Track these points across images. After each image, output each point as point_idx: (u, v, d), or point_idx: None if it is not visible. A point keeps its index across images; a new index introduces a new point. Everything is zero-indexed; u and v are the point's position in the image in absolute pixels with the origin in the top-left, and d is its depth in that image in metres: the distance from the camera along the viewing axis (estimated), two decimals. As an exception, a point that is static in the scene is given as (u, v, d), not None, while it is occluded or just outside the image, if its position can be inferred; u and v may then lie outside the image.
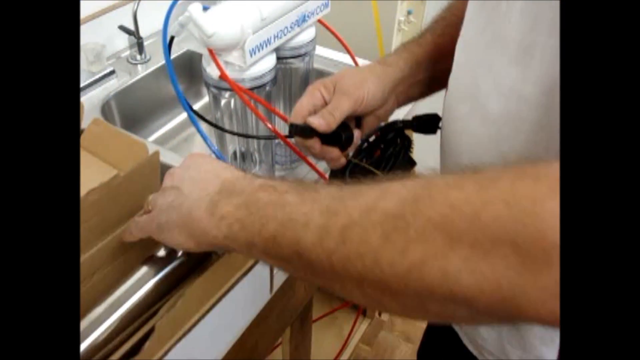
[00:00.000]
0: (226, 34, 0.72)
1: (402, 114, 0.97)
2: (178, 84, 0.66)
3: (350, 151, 0.65)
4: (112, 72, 1.02)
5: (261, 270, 0.66)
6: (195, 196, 0.45)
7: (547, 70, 0.45)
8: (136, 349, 0.51)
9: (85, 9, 1.01)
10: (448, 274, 0.31)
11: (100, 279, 0.57)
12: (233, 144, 0.92)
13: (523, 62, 0.47)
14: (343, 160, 0.64)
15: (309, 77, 0.97)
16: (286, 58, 0.90)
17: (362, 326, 1.66)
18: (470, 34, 0.55)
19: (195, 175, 0.48)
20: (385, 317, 1.71)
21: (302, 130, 0.61)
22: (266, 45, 0.78)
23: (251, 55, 0.75)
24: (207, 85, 0.83)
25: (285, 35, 0.82)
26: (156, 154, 0.58)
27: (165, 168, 0.55)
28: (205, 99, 1.18)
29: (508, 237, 0.29)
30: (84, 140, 0.69)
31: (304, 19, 0.85)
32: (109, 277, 0.58)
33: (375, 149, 0.69)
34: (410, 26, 1.52)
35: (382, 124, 0.70)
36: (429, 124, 0.69)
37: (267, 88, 0.83)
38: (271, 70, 0.81)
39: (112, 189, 0.54)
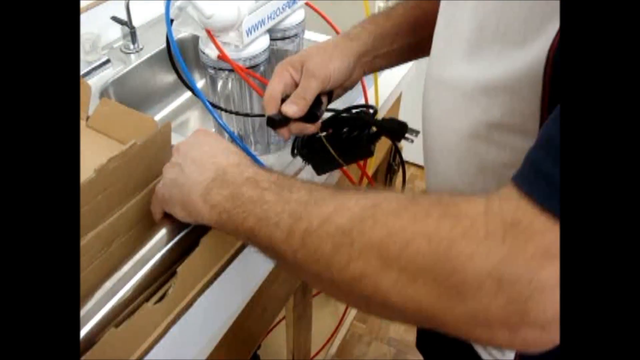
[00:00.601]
0: (224, 15, 0.76)
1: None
2: (184, 63, 0.70)
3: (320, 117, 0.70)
4: (107, 61, 1.05)
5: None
6: (193, 179, 0.52)
7: (488, 71, 0.47)
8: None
9: (81, 1, 1.04)
10: (380, 290, 0.37)
11: (119, 246, 0.61)
12: (230, 126, 0.96)
13: (469, 60, 0.50)
14: (316, 128, 0.68)
15: (299, 58, 1.02)
16: (277, 39, 0.94)
17: (356, 304, 1.71)
18: (440, 26, 0.58)
19: (196, 155, 0.54)
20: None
21: (281, 122, 0.65)
22: (261, 26, 0.82)
23: (248, 35, 0.79)
24: (205, 67, 0.87)
25: (277, 15, 0.86)
26: (167, 125, 0.62)
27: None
28: (198, 85, 1.21)
29: (428, 269, 0.35)
30: (94, 120, 0.72)
31: (293, 0, 0.89)
32: (127, 244, 0.62)
33: (343, 125, 0.72)
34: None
35: (357, 105, 0.74)
36: (396, 131, 0.70)
37: (262, 68, 0.87)
38: (265, 50, 0.85)
39: (130, 158, 0.58)
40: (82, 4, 1.04)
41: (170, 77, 1.15)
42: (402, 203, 0.38)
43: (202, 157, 0.53)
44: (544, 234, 0.32)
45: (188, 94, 1.17)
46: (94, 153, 0.69)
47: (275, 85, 0.66)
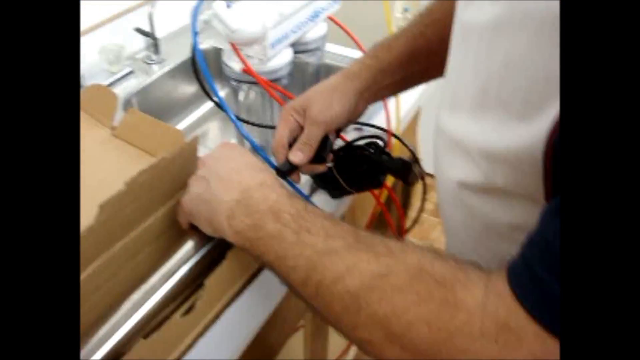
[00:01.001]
0: (249, 29, 0.77)
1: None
2: (209, 74, 0.71)
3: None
4: (130, 72, 1.07)
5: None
6: (219, 197, 0.53)
7: (491, 137, 0.45)
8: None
9: (104, 12, 1.05)
10: (385, 356, 0.40)
11: (145, 256, 0.61)
12: (253, 136, 0.96)
13: (474, 118, 0.48)
14: (324, 168, 0.70)
15: (319, 71, 1.03)
16: (299, 52, 0.95)
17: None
18: (450, 71, 0.56)
19: (222, 171, 0.55)
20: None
21: (290, 170, 0.67)
22: (285, 40, 0.83)
23: (272, 49, 0.80)
24: (228, 79, 0.88)
25: (300, 29, 0.87)
26: (195, 139, 0.63)
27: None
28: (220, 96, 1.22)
29: (428, 354, 0.38)
30: (120, 130, 0.73)
31: (316, 14, 0.90)
32: (153, 254, 0.62)
33: (354, 153, 0.72)
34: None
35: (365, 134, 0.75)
36: (399, 172, 0.70)
37: (285, 81, 0.88)
38: (288, 63, 0.86)
39: (158, 171, 0.58)
40: (106, 15, 1.06)
41: (191, 88, 1.16)
42: (409, 277, 0.40)
43: (228, 173, 0.54)
44: (534, 341, 0.34)
45: (209, 104, 1.18)
46: (121, 163, 0.70)
47: (282, 132, 0.67)
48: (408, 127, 1.08)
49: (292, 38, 0.86)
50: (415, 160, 0.69)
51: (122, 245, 0.58)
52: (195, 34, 0.73)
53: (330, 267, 0.43)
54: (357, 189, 0.73)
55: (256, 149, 0.76)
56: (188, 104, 1.17)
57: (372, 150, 0.71)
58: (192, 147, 0.63)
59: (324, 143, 0.67)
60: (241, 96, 0.92)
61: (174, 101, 1.14)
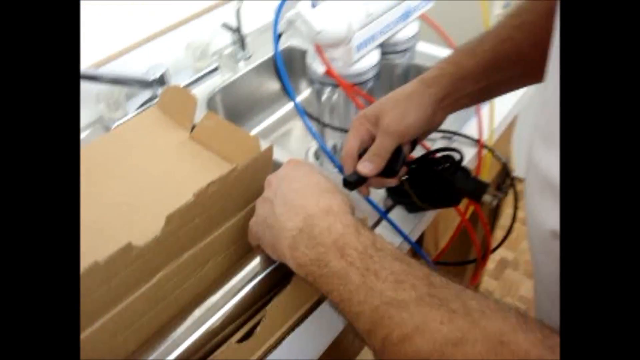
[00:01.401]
0: (334, 31, 0.73)
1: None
2: (293, 73, 0.68)
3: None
4: (216, 69, 1.06)
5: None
6: (281, 224, 0.48)
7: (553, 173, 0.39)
8: (249, 335, 0.53)
9: (191, 8, 1.05)
10: None
11: (213, 266, 0.60)
12: (333, 139, 0.93)
13: (545, 147, 0.41)
14: (396, 181, 0.65)
15: (409, 72, 0.97)
16: (387, 53, 0.90)
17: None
18: (550, 81, 0.43)
19: (287, 194, 0.51)
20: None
21: (357, 182, 0.62)
22: (371, 41, 0.79)
23: (357, 51, 0.76)
24: (311, 81, 0.84)
25: (389, 30, 0.82)
26: (269, 149, 0.60)
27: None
28: (303, 94, 1.20)
29: None
30: (197, 133, 0.71)
31: (407, 14, 0.84)
32: (221, 264, 0.60)
33: (427, 170, 0.66)
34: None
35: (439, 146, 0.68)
36: (472, 193, 0.63)
37: (370, 84, 0.83)
38: (375, 65, 0.81)
39: (229, 181, 0.56)
40: (194, 10, 1.05)
41: (277, 85, 1.14)
42: (485, 349, 0.35)
43: (292, 197, 0.50)
44: None
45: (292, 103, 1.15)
46: (195, 167, 0.68)
47: (352, 143, 0.63)
48: (502, 136, 1.00)
49: (380, 39, 0.81)
50: (502, 184, 0.62)
51: (190, 255, 0.57)
52: (277, 36, 0.70)
53: (399, 323, 0.39)
54: (430, 205, 0.68)
55: (327, 154, 0.72)
56: (274, 101, 1.15)
57: (447, 165, 0.65)
58: (266, 157, 0.60)
59: (397, 155, 0.62)
60: (324, 97, 0.89)
61: (259, 98, 1.13)
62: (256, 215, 0.54)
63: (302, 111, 0.71)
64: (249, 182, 0.59)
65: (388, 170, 0.62)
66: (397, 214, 0.73)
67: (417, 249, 0.70)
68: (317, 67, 0.78)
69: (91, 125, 0.95)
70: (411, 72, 0.97)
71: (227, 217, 0.59)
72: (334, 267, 0.43)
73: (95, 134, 0.93)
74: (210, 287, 0.59)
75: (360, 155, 0.62)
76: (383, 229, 0.71)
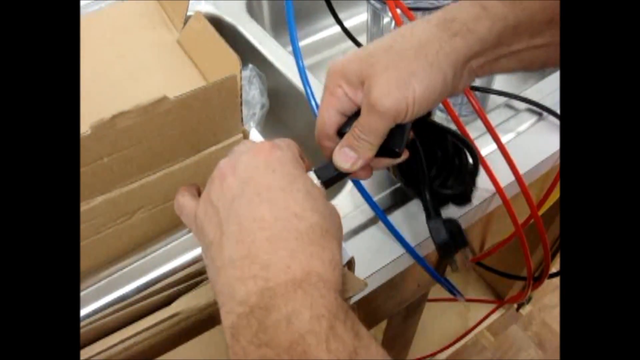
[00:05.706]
0: None
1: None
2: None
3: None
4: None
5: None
6: (228, 280, 0.31)
7: None
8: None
9: None
10: None
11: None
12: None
13: None
14: (404, 156, 0.42)
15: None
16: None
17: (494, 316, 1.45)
18: None
19: (248, 222, 0.32)
20: (524, 311, 1.46)
21: (337, 177, 0.40)
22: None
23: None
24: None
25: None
26: (233, 78, 0.42)
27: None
28: (362, 16, 0.96)
29: None
30: (183, 37, 0.55)
31: None
32: (157, 216, 0.47)
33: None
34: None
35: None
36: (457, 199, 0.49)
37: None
38: (446, -10, 0.60)
39: (160, 114, 0.40)
40: None
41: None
42: None
43: (254, 234, 0.31)
44: None
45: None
46: (165, 79, 0.52)
47: (326, 115, 0.39)
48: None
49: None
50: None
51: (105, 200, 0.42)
52: None
53: None
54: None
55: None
56: (326, 16, 0.94)
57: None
58: (230, 88, 0.43)
59: (397, 133, 0.39)
60: (384, 22, 0.70)
61: (311, 8, 0.92)
62: (197, 217, 0.35)
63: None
64: (206, 117, 0.43)
65: (385, 150, 0.40)
66: (398, 215, 0.55)
67: (420, 260, 0.51)
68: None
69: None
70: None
71: (165, 161, 0.43)
72: None
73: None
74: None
75: (342, 133, 0.40)
76: (378, 231, 0.53)
